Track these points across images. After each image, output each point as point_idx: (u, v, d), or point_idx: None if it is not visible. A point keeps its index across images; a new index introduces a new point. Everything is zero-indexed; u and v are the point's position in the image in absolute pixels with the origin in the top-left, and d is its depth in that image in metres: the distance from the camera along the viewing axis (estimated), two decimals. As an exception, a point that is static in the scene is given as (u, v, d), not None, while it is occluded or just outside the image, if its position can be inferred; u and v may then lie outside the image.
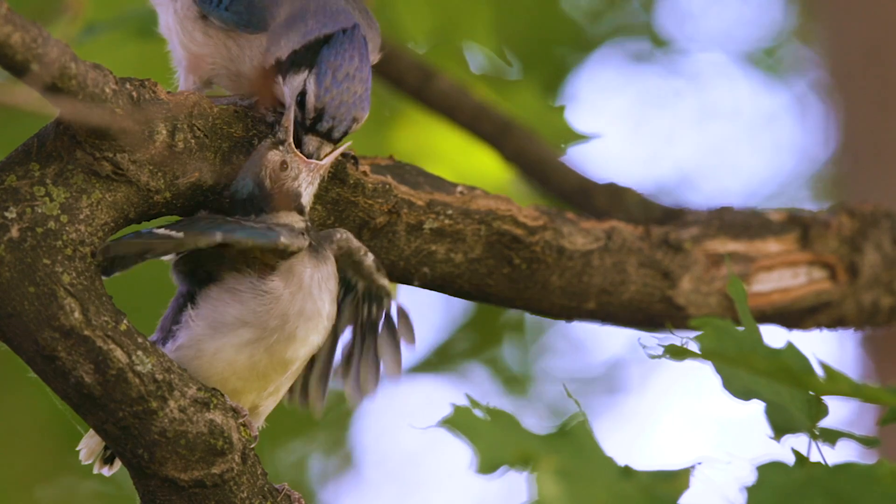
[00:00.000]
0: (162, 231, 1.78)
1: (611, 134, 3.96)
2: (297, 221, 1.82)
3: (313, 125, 1.82)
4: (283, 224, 1.81)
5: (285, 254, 1.80)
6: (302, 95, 1.82)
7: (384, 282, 1.90)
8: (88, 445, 1.87)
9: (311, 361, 1.90)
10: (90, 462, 1.88)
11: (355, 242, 1.87)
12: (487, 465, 1.52)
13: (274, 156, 1.82)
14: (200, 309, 1.80)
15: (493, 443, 1.52)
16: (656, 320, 2.05)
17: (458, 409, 1.54)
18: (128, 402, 1.76)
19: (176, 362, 1.78)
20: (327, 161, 1.83)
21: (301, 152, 1.83)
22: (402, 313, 1.91)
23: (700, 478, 1.55)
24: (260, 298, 1.80)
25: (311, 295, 1.81)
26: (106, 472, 1.88)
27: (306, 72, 1.82)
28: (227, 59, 1.88)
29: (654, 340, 1.63)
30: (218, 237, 1.76)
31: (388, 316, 1.91)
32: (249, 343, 1.80)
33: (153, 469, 1.77)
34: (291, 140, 1.82)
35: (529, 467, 1.52)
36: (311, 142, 1.83)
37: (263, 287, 1.80)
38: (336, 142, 1.83)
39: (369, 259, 1.88)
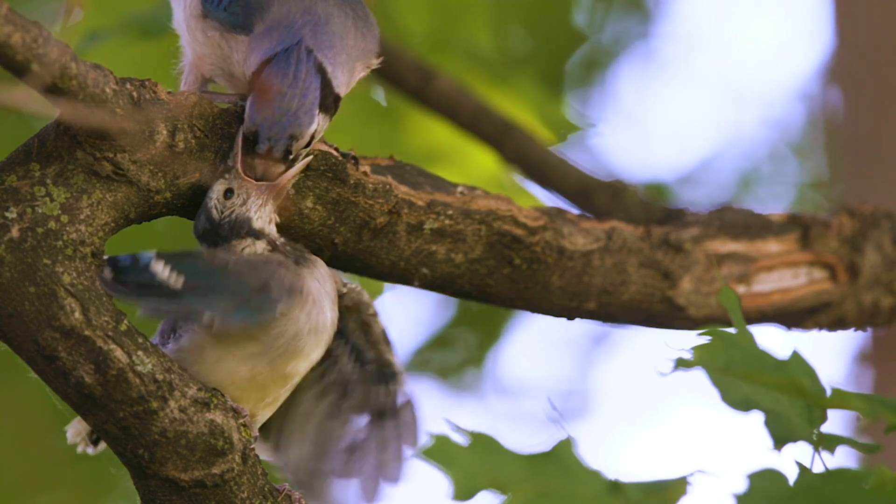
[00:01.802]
0: (162, 275, 1.77)
1: (612, 123, 3.96)
2: (262, 246, 1.81)
3: (253, 147, 1.80)
4: (265, 270, 1.80)
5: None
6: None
7: (391, 357, 1.87)
8: (75, 427, 1.87)
9: (318, 448, 1.87)
10: (76, 441, 1.87)
11: (366, 297, 1.85)
12: (464, 493, 1.51)
13: (219, 185, 1.81)
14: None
15: (471, 469, 1.51)
16: (657, 321, 2.05)
17: (436, 439, 1.53)
18: (128, 403, 1.76)
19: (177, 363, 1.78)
20: (282, 180, 1.81)
21: (252, 174, 1.80)
22: (409, 405, 1.87)
23: (694, 489, 1.54)
24: (275, 319, 1.79)
25: (322, 307, 1.80)
26: (91, 450, 1.88)
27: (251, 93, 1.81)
28: (221, 60, 1.88)
29: (668, 360, 1.63)
30: (206, 318, 1.76)
31: (394, 406, 1.88)
32: (253, 356, 1.80)
33: (153, 469, 1.77)
34: (239, 165, 1.80)
35: (505, 493, 1.51)
36: (257, 165, 1.81)
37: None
38: (283, 160, 1.81)
39: (378, 326, 1.87)
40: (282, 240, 1.83)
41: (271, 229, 1.82)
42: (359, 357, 1.88)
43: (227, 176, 1.81)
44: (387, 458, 1.86)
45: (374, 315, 1.87)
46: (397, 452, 1.86)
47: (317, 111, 1.80)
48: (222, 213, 1.81)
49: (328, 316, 1.81)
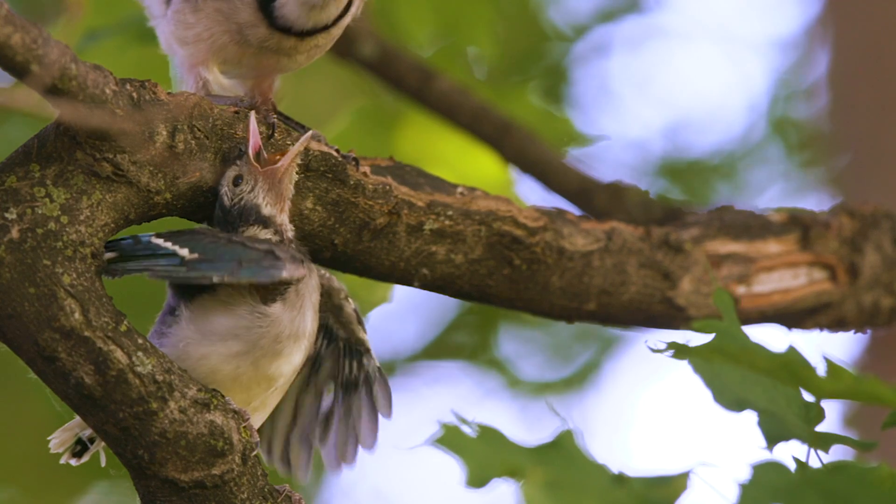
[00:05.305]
0: (165, 245, 1.78)
1: (615, 124, 3.98)
2: (267, 235, 1.82)
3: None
4: (266, 242, 1.80)
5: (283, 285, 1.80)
6: None
7: (363, 335, 1.90)
8: (61, 437, 1.87)
9: (294, 419, 1.91)
10: (59, 451, 1.87)
11: (336, 283, 1.88)
12: (477, 480, 1.53)
13: (230, 171, 1.83)
14: (193, 312, 1.81)
15: (483, 457, 1.53)
16: (657, 321, 2.05)
17: (447, 428, 1.54)
18: (128, 403, 1.76)
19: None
20: (284, 161, 1.83)
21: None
22: (381, 378, 1.91)
23: (696, 483, 1.55)
24: (258, 319, 1.80)
25: (304, 316, 1.82)
26: (74, 462, 1.88)
27: None
28: (223, 19, 1.88)
29: (659, 340, 1.64)
30: (215, 280, 1.77)
31: (367, 379, 1.91)
32: (237, 355, 1.80)
33: (153, 470, 1.77)
34: (251, 151, 1.82)
35: (519, 479, 1.52)
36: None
37: (261, 309, 1.80)
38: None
39: (350, 306, 1.89)
40: (290, 234, 1.84)
41: (282, 219, 1.84)
42: (327, 334, 1.91)
43: (238, 163, 1.83)
44: (361, 425, 1.90)
45: (346, 297, 1.89)
46: (372, 420, 1.90)
47: None
48: (232, 199, 1.82)
49: (308, 324, 1.82)
